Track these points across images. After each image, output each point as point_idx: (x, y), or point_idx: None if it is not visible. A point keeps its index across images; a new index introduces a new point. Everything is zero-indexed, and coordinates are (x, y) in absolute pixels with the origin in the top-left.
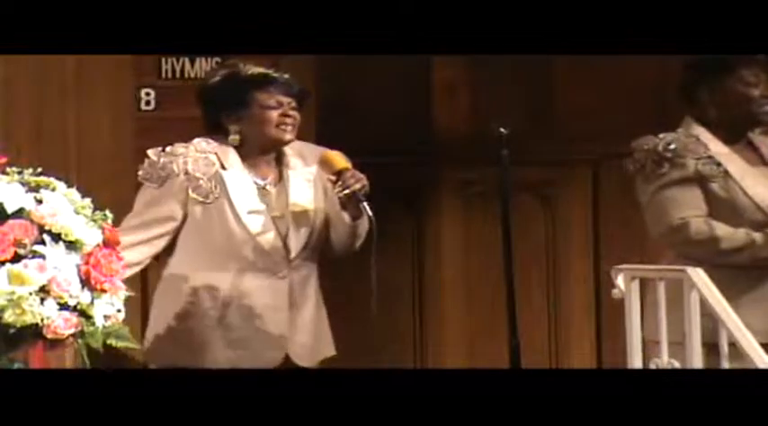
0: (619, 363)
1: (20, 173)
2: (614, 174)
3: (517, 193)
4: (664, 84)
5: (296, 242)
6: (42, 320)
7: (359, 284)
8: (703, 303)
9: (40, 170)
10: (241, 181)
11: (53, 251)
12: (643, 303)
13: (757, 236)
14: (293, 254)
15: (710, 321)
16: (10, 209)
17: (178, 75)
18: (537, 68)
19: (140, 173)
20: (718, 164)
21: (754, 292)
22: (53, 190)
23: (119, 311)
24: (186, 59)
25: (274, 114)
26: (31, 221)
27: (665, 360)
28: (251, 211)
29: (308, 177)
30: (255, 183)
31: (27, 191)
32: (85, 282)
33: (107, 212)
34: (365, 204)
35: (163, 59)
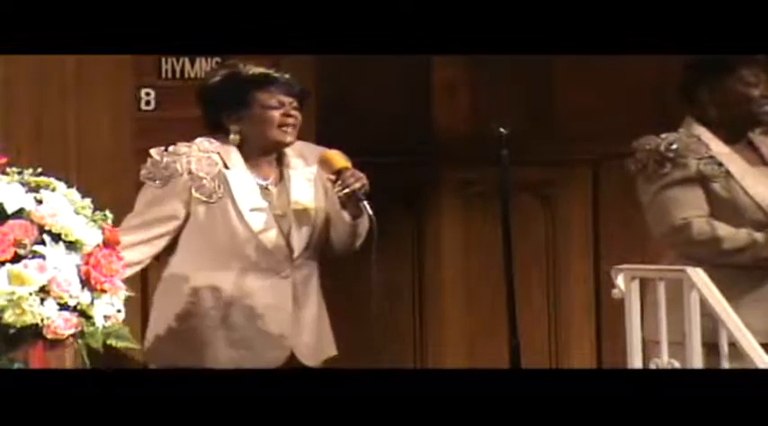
0: (619, 363)
1: (20, 173)
2: (614, 174)
3: (517, 193)
4: (664, 84)
5: (298, 241)
6: (42, 320)
7: (359, 283)
8: (703, 303)
9: (40, 170)
10: (244, 180)
11: (53, 251)
12: (643, 303)
13: (759, 236)
14: (296, 254)
15: (710, 321)
16: (10, 209)
17: (178, 75)
18: (537, 68)
19: (143, 172)
20: (720, 164)
21: (755, 292)
22: (53, 190)
23: (119, 311)
24: (186, 59)
25: (276, 114)
26: (31, 221)
27: (664, 360)
28: (254, 211)
29: (309, 177)
30: (257, 183)
31: (27, 191)
32: (85, 282)
33: (107, 212)
34: (365, 203)
35: (163, 59)
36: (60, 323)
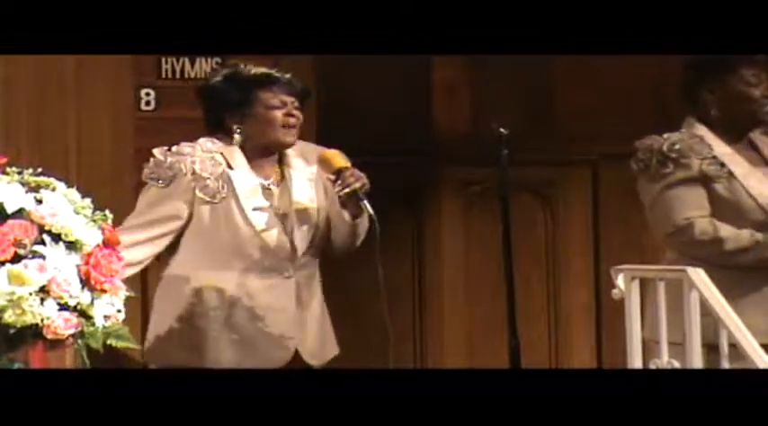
0: (619, 363)
1: (20, 173)
2: (614, 174)
3: (517, 193)
4: (664, 84)
5: (301, 241)
6: (42, 320)
7: (360, 283)
8: (703, 303)
9: (40, 170)
10: (248, 180)
11: (53, 251)
12: (643, 303)
13: (761, 237)
14: (299, 253)
15: (711, 321)
16: (10, 209)
17: (178, 75)
18: (537, 68)
19: (145, 171)
20: (723, 165)
21: (757, 293)
22: (53, 190)
23: (119, 311)
24: (186, 59)
25: (279, 114)
26: (31, 221)
27: (664, 360)
28: (258, 211)
29: (310, 177)
30: (259, 183)
31: (27, 191)
32: (85, 282)
33: (107, 212)
34: (365, 202)
35: (163, 59)
36: (60, 324)
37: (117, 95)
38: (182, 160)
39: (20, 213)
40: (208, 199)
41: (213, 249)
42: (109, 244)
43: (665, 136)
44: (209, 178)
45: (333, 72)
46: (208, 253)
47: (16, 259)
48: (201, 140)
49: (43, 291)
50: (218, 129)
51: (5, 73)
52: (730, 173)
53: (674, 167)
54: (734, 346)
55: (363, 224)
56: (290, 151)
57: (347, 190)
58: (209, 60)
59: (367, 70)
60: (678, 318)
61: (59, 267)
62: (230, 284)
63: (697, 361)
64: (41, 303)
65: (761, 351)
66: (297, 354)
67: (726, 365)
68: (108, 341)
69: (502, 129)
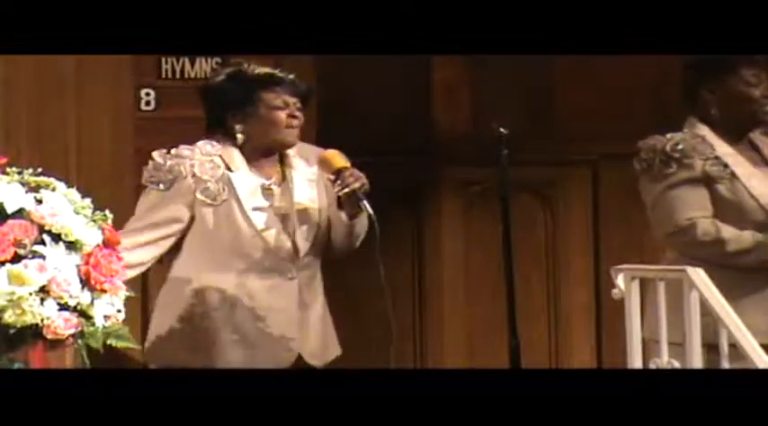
0: (619, 363)
1: (20, 173)
2: (614, 174)
3: (517, 193)
4: (664, 84)
5: (303, 241)
6: (42, 320)
7: (360, 282)
8: (703, 303)
9: (40, 170)
10: (248, 182)
11: (53, 251)
12: (643, 303)
13: (763, 238)
14: (302, 254)
15: (711, 321)
16: (10, 209)
17: (178, 75)
18: (537, 68)
19: (145, 175)
20: (725, 166)
21: (758, 293)
22: (53, 190)
23: (119, 311)
24: (186, 59)
25: (281, 115)
26: (31, 221)
27: (664, 360)
28: (259, 212)
29: (311, 177)
30: (260, 183)
31: (27, 191)
32: (85, 282)
33: (107, 212)
34: (365, 202)
35: (163, 59)
36: (60, 323)
37: (117, 95)
38: (181, 163)
39: (20, 213)
40: (209, 201)
41: (215, 251)
42: (109, 243)
43: (668, 136)
44: (209, 180)
45: (333, 72)
46: (210, 255)
47: (16, 259)
48: (200, 143)
49: (43, 291)
50: (220, 129)
51: (5, 73)
52: (732, 174)
53: (677, 167)
54: (734, 346)
55: (361, 225)
56: (290, 152)
57: (346, 190)
58: (209, 60)
59: (367, 70)
60: (678, 318)
61: (59, 267)
62: (233, 285)
63: (697, 361)
64: (41, 303)
65: (761, 351)
66: (299, 355)
67: (726, 365)
68: (108, 341)
69: (502, 129)
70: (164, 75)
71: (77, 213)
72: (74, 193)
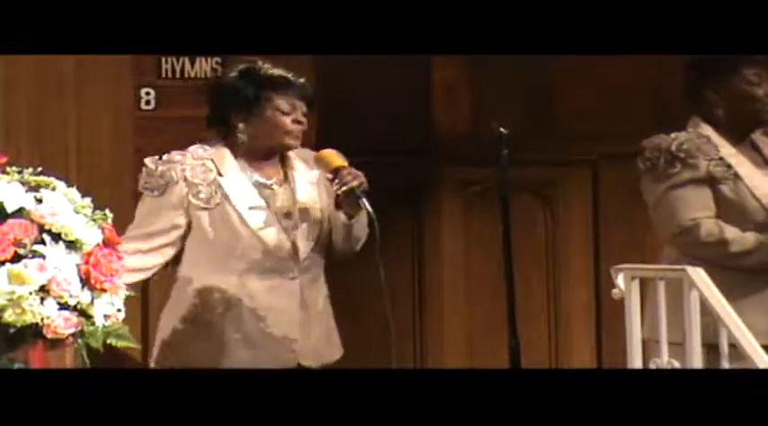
0: (619, 363)
1: (20, 172)
2: (614, 174)
3: (517, 193)
4: (664, 84)
5: (305, 241)
6: (42, 320)
7: (361, 282)
8: (703, 303)
9: (40, 169)
10: (241, 184)
11: (53, 250)
12: (643, 303)
13: (765, 239)
14: (303, 255)
15: (711, 321)
16: (10, 209)
17: (178, 75)
18: (537, 68)
19: (140, 183)
20: (729, 166)
21: (758, 294)
22: (53, 189)
23: (119, 311)
24: (186, 59)
25: (287, 119)
26: (31, 221)
27: (664, 360)
28: (257, 213)
29: (312, 180)
30: (261, 183)
31: (27, 191)
32: (85, 282)
33: (107, 212)
34: (364, 200)
35: (163, 59)
36: (60, 323)
37: (117, 95)
38: (172, 168)
39: (20, 212)
40: (203, 205)
41: (215, 253)
42: (109, 243)
43: (673, 135)
44: (200, 184)
45: (333, 72)
46: (210, 258)
47: (16, 258)
48: (192, 148)
49: (43, 290)
50: (221, 127)
51: (5, 73)
52: (736, 175)
53: (682, 167)
54: (734, 346)
55: (360, 225)
56: (291, 153)
57: (345, 188)
58: (209, 60)
59: (367, 70)
60: (678, 318)
61: (59, 266)
62: (234, 286)
63: (697, 361)
64: (41, 302)
65: (761, 351)
66: (301, 356)
67: (726, 365)
68: (108, 341)
69: (502, 129)
70: (164, 75)
71: (77, 212)
72: (74, 193)
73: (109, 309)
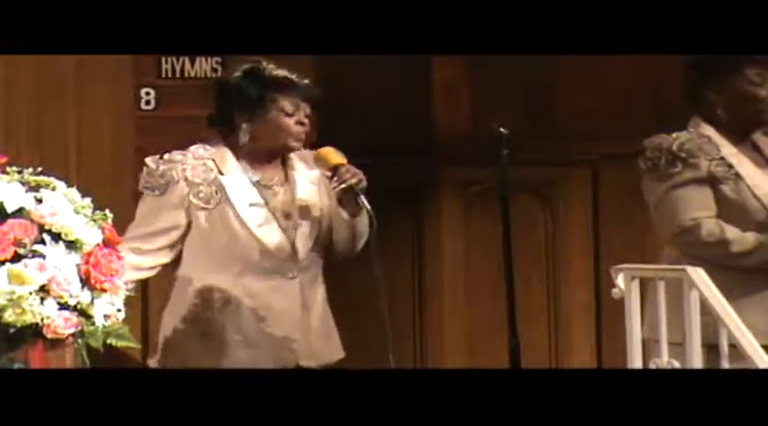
0: (619, 363)
1: (20, 172)
2: (614, 174)
3: (517, 193)
4: (664, 84)
5: (304, 241)
6: (42, 320)
7: (360, 282)
8: (703, 303)
9: (40, 169)
10: (241, 185)
11: (53, 250)
12: (643, 302)
13: (765, 239)
14: (302, 254)
15: (711, 321)
16: (10, 209)
17: (178, 74)
18: (537, 68)
19: (141, 182)
20: (730, 166)
21: (758, 294)
22: (53, 189)
23: (119, 311)
24: (186, 59)
25: (290, 121)
26: (31, 221)
27: (664, 360)
28: (256, 213)
29: (312, 179)
30: (261, 183)
31: (27, 191)
32: (85, 282)
33: (107, 212)
34: (362, 197)
35: (163, 59)
36: (60, 323)
37: (117, 95)
38: (173, 167)
39: (20, 212)
40: (203, 205)
41: (215, 253)
42: (109, 243)
43: (674, 135)
44: (201, 184)
45: (333, 72)
46: (210, 258)
47: (16, 258)
48: (193, 147)
49: (43, 290)
50: (223, 127)
51: (5, 73)
52: (737, 175)
53: (683, 167)
54: (734, 346)
55: (362, 223)
56: (292, 154)
57: (343, 185)
58: (209, 60)
59: (367, 70)
60: (678, 318)
61: (59, 266)
62: (234, 286)
63: (697, 361)
64: (41, 302)
65: (761, 351)
66: (301, 356)
67: (726, 365)
68: (108, 341)
69: (502, 129)
70: (164, 75)
71: (77, 212)
72: (74, 193)
73: (109, 309)
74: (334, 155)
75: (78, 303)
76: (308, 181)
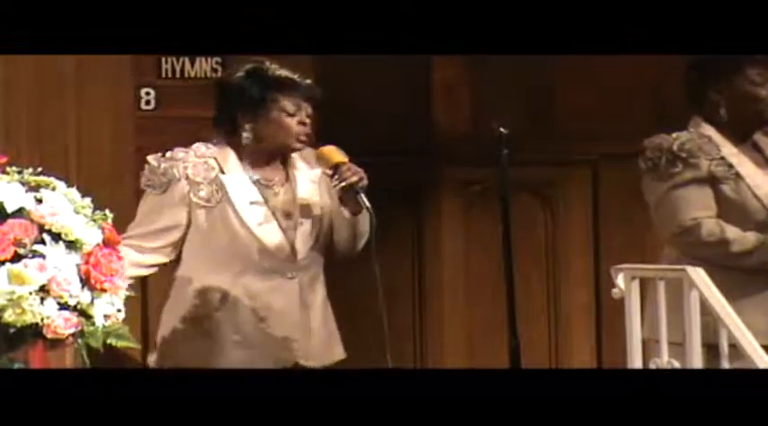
0: (619, 363)
1: (20, 172)
2: (614, 174)
3: (517, 193)
4: (664, 84)
5: (304, 241)
6: (42, 320)
7: (360, 282)
8: (703, 303)
9: (40, 169)
10: (242, 184)
11: (53, 250)
12: (643, 302)
13: (766, 239)
14: (301, 254)
15: (711, 321)
16: (10, 209)
17: (178, 74)
18: (537, 68)
19: (142, 180)
20: (730, 166)
21: (758, 294)
22: (53, 189)
23: (119, 311)
24: (186, 59)
25: (292, 121)
26: (31, 221)
27: (664, 360)
28: (256, 213)
29: (314, 178)
30: (262, 183)
31: (27, 191)
32: (85, 282)
33: (107, 212)
34: (363, 196)
35: (163, 59)
36: (60, 323)
37: (117, 95)
38: (175, 165)
39: (20, 212)
40: (203, 203)
41: (215, 252)
42: (109, 243)
43: (675, 135)
44: (202, 182)
45: (333, 72)
46: (210, 257)
47: (16, 258)
48: (195, 145)
49: (43, 290)
50: (226, 126)
51: (5, 73)
52: (737, 175)
53: (683, 167)
54: (734, 346)
55: (363, 223)
56: (294, 154)
57: (344, 184)
58: (209, 60)
59: (367, 70)
60: (678, 318)
61: (59, 266)
62: (233, 286)
63: (697, 361)
64: (41, 302)
65: (761, 351)
66: (301, 356)
67: (726, 365)
68: (108, 341)
69: (502, 129)
70: (164, 75)
71: (77, 212)
72: (74, 193)
73: (109, 309)
74: (335, 153)
75: (78, 303)
76: (310, 180)
